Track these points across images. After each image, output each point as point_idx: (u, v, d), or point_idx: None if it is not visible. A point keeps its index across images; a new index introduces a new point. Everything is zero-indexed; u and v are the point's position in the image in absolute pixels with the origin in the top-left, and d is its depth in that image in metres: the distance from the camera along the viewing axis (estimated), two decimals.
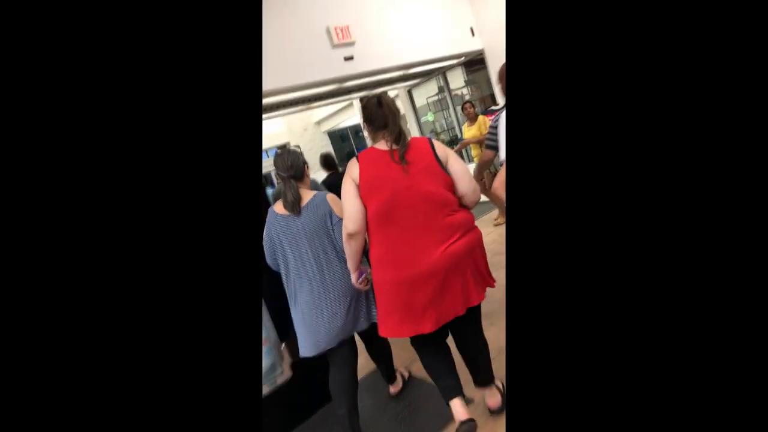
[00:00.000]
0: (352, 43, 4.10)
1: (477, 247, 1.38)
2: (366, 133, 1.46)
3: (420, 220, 1.30)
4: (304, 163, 1.64)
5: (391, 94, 8.57)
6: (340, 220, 1.46)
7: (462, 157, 6.10)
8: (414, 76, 5.73)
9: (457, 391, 1.48)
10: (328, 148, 13.34)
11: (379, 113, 1.37)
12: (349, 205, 1.34)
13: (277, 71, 3.64)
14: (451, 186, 1.37)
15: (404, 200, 1.31)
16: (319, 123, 13.09)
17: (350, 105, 11.30)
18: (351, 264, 1.44)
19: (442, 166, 1.36)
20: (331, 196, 1.58)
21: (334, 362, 1.63)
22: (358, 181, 1.34)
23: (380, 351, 1.87)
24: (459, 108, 6.10)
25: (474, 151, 4.58)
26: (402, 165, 1.33)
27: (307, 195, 1.56)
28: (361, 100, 1.42)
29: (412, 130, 6.98)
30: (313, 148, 13.17)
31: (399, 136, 1.35)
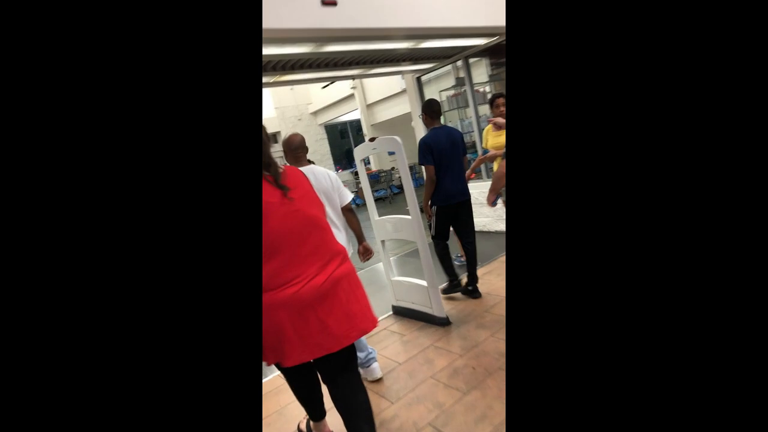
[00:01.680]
0: None
1: (350, 278, 1.37)
2: None
3: (309, 243, 1.30)
4: None
5: (397, 81, 7.21)
6: None
7: (480, 172, 4.87)
8: (426, 56, 4.38)
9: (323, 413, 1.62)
10: (324, 143, 12.01)
11: None
12: None
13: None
14: (325, 213, 1.44)
15: (292, 225, 1.28)
16: (315, 114, 11.73)
17: (351, 96, 10.02)
18: None
19: (317, 193, 1.43)
20: None
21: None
22: None
23: None
24: (481, 108, 4.79)
25: (496, 164, 3.23)
26: (284, 191, 1.30)
27: None
28: None
29: (418, 129, 5.62)
30: (307, 141, 11.84)
31: (268, 164, 1.32)
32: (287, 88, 10.83)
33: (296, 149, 2.07)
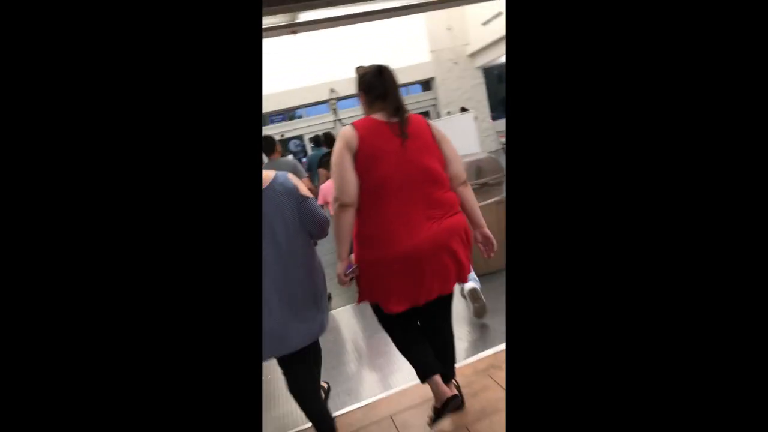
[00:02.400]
0: None
1: (461, 231, 1.40)
2: (360, 103, 1.45)
3: (417, 195, 1.34)
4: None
5: None
6: (308, 198, 1.40)
7: None
8: None
9: (437, 368, 1.50)
10: (480, 88, 11.02)
11: (378, 82, 1.38)
12: (345, 175, 1.32)
13: None
14: (445, 166, 1.41)
15: (404, 174, 1.33)
16: (473, 56, 10.71)
17: None
18: (340, 247, 1.38)
19: (438, 146, 1.41)
20: (291, 175, 1.45)
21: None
22: (355, 150, 1.33)
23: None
24: None
25: None
26: (402, 139, 1.33)
27: (268, 175, 1.38)
28: (358, 69, 1.43)
29: None
30: (462, 86, 10.97)
31: (398, 108, 1.35)
32: (444, 28, 10.10)
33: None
